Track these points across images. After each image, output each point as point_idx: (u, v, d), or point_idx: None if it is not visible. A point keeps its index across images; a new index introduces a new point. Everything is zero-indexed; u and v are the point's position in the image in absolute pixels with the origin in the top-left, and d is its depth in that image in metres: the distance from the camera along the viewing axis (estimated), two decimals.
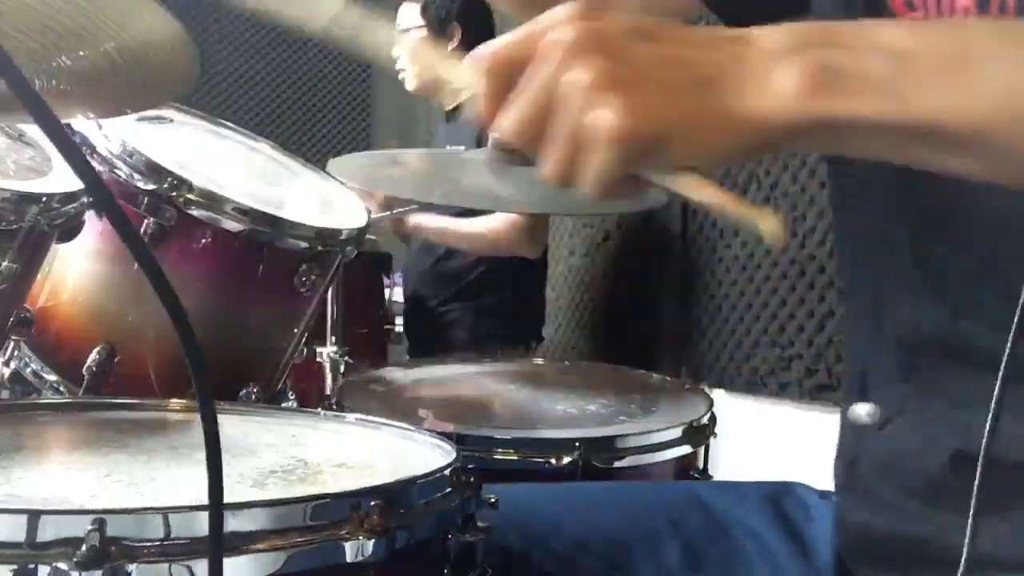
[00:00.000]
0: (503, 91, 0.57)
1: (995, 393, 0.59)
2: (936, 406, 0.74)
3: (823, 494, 0.95)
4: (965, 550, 0.62)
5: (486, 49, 0.58)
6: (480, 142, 2.11)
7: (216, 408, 1.13)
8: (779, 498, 0.95)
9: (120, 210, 0.46)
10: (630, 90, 0.53)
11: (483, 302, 2.72)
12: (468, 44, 3.22)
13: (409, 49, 0.74)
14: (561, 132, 0.55)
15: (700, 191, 0.56)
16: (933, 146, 0.55)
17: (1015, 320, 0.59)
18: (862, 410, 0.80)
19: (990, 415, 0.60)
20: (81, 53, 0.85)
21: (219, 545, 0.55)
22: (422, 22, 2.72)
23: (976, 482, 0.62)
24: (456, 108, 2.81)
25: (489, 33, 2.87)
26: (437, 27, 2.72)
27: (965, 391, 0.68)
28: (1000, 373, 0.59)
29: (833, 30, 0.57)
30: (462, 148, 2.12)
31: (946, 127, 0.54)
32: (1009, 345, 0.59)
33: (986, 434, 0.60)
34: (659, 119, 0.54)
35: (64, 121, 1.25)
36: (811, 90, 0.54)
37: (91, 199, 1.14)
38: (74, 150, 0.44)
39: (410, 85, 2.82)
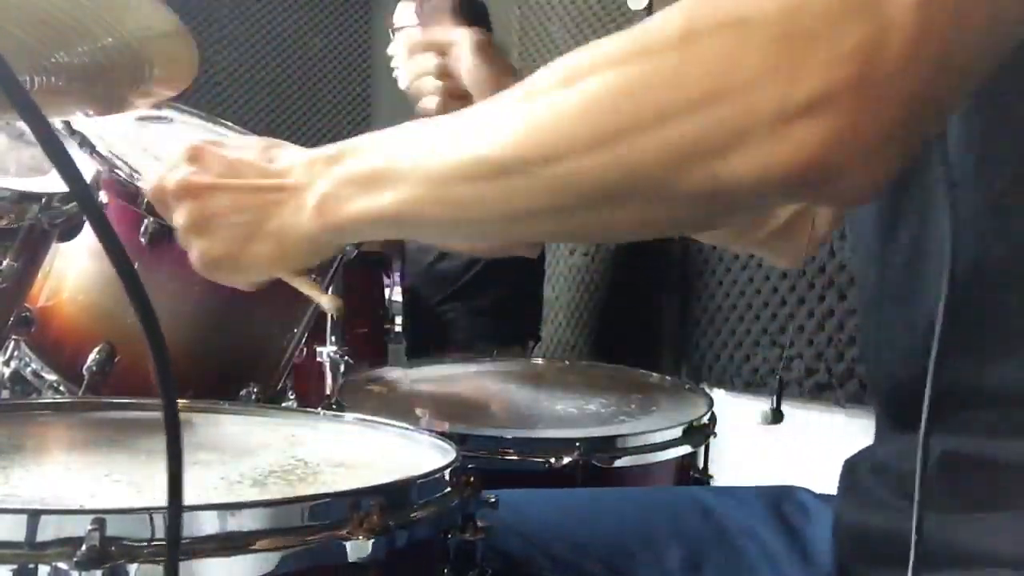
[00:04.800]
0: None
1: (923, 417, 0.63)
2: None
3: (822, 497, 0.95)
4: (912, 547, 0.64)
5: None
6: None
7: (218, 408, 1.13)
8: (779, 501, 0.95)
9: (95, 202, 0.45)
10: (202, 234, 0.77)
11: (479, 302, 2.72)
12: None
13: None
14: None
15: (293, 281, 0.89)
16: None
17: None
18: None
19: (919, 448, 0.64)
20: (80, 49, 0.85)
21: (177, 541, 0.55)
22: (417, 21, 2.72)
23: (917, 480, 0.64)
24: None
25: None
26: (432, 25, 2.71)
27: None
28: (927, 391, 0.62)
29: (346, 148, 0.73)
30: None
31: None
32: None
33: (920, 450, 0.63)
34: (220, 258, 0.78)
35: (63, 118, 1.25)
36: (320, 216, 0.71)
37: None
38: (62, 152, 0.43)
39: (403, 83, 2.81)
